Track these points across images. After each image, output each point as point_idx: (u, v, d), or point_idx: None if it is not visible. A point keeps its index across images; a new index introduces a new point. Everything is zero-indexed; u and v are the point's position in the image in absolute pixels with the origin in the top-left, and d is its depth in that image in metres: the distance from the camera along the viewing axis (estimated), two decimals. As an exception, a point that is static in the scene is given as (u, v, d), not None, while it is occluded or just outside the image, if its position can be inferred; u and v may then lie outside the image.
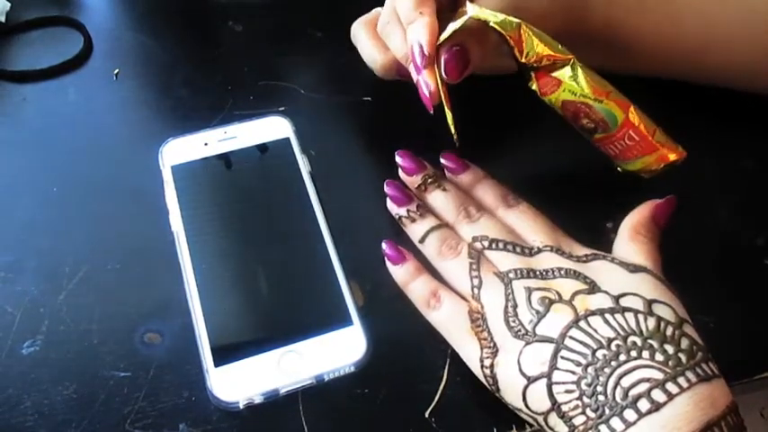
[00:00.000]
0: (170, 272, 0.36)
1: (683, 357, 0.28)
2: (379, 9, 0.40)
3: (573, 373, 0.29)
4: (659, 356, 0.28)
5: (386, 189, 0.38)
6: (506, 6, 0.35)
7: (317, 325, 0.34)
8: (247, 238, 0.37)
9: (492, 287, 0.33)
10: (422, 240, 0.36)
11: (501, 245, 0.34)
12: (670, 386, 0.27)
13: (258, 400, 0.32)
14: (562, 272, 0.32)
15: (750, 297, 0.37)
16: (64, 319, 0.35)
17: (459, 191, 0.38)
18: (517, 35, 0.34)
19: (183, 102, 0.44)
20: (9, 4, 0.48)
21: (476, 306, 0.33)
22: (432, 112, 0.36)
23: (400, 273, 0.36)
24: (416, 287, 0.35)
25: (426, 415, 0.33)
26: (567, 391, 0.29)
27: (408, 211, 0.37)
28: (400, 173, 0.39)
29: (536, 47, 0.34)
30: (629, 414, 0.27)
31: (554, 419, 0.29)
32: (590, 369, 0.29)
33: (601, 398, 0.28)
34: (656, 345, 0.29)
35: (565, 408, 0.29)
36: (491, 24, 0.34)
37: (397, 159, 0.39)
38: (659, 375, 0.28)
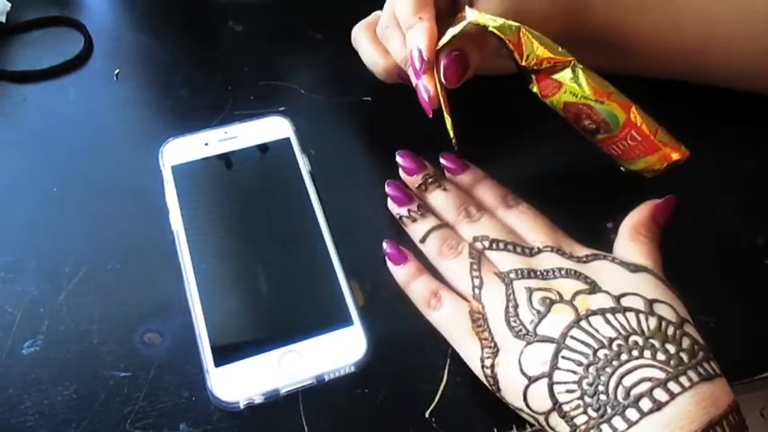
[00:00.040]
0: (170, 272, 0.36)
1: (684, 357, 0.28)
2: (378, 12, 0.40)
3: (574, 372, 0.29)
4: (661, 356, 0.28)
5: (387, 189, 0.38)
6: (506, 10, 0.35)
7: (318, 325, 0.34)
8: (247, 238, 0.37)
9: (493, 287, 0.33)
10: (423, 240, 0.36)
11: (501, 245, 0.34)
12: (672, 385, 0.27)
13: (258, 400, 0.32)
14: (563, 272, 0.32)
15: (750, 297, 0.37)
16: (64, 319, 0.35)
17: (460, 191, 0.38)
18: (516, 39, 0.34)
19: (184, 102, 0.44)
20: (9, 5, 0.48)
21: (476, 306, 0.33)
22: (431, 116, 0.36)
23: (401, 273, 0.36)
24: (417, 287, 0.35)
25: (426, 415, 0.33)
26: (569, 391, 0.29)
27: (409, 210, 0.37)
28: (401, 173, 0.39)
29: (536, 50, 0.34)
30: (632, 413, 0.27)
31: (555, 419, 0.29)
32: (591, 369, 0.29)
33: (602, 397, 0.28)
34: (657, 344, 0.29)
35: (566, 407, 0.29)
36: (490, 29, 0.34)
37: (398, 159, 0.39)
38: (661, 375, 0.28)
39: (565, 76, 0.35)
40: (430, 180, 0.38)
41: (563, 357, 0.29)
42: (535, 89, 0.36)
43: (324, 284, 0.36)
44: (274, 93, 0.45)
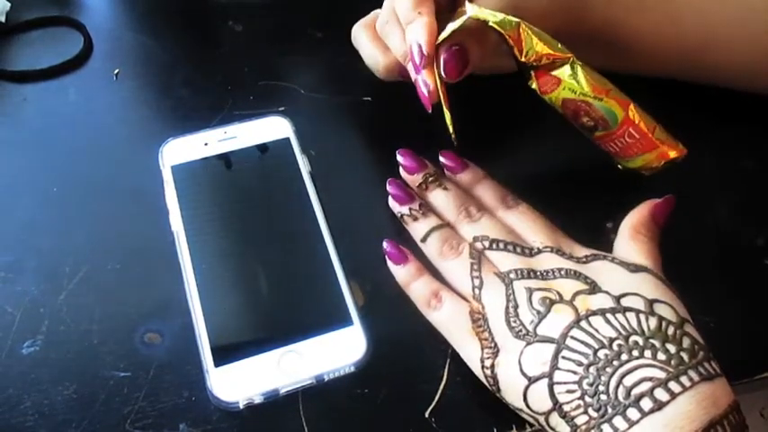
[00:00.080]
0: (170, 272, 0.36)
1: (685, 356, 0.28)
2: (378, 11, 0.40)
3: (574, 372, 0.29)
4: (661, 356, 0.28)
5: (388, 188, 0.38)
6: (506, 6, 0.35)
7: (318, 325, 0.34)
8: (247, 238, 0.37)
9: (493, 287, 0.33)
10: (423, 239, 0.36)
11: (502, 245, 0.34)
12: (673, 385, 0.27)
13: (258, 400, 0.32)
14: (562, 272, 0.32)
15: (750, 297, 0.37)
16: (64, 319, 0.35)
17: (460, 190, 0.38)
18: (516, 34, 0.34)
19: (184, 102, 0.44)
20: (9, 5, 0.48)
21: (477, 306, 0.33)
22: (430, 111, 0.36)
23: (402, 273, 0.36)
24: (418, 287, 0.35)
25: (426, 415, 0.33)
26: (569, 391, 0.29)
27: (410, 209, 0.37)
28: (401, 171, 0.39)
29: (535, 46, 0.34)
30: (632, 413, 0.27)
31: (555, 419, 0.29)
32: (592, 369, 0.29)
33: (603, 397, 0.28)
34: (657, 344, 0.29)
35: (566, 407, 0.29)
36: (490, 24, 0.34)
37: (399, 158, 0.39)
38: (662, 374, 0.28)
39: (564, 72, 0.35)
40: (430, 179, 0.38)
41: (563, 357, 0.29)
42: (534, 86, 0.36)
43: (324, 284, 0.36)
44: (274, 93, 0.45)
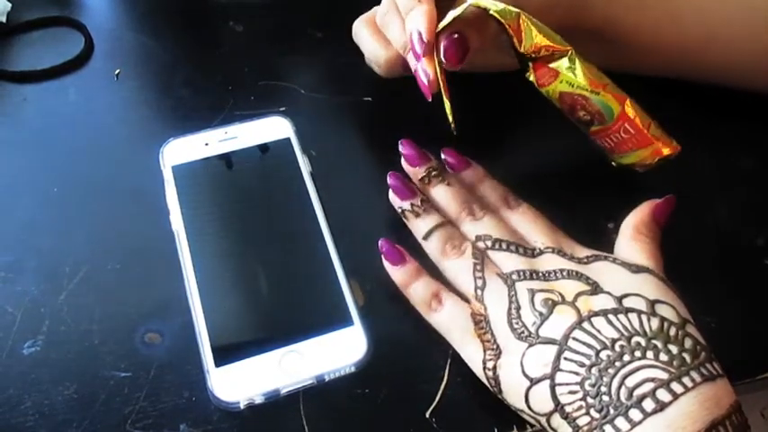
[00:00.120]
0: (170, 272, 0.36)
1: (687, 357, 0.28)
2: (378, 7, 0.40)
3: (576, 374, 0.29)
4: (663, 356, 0.28)
5: (388, 180, 0.37)
6: None
7: (318, 325, 0.34)
8: (248, 238, 0.37)
9: (495, 289, 0.33)
10: (425, 237, 0.36)
11: (504, 245, 0.34)
12: (675, 386, 0.27)
13: (259, 400, 0.32)
14: (564, 273, 0.32)
15: (750, 297, 0.37)
16: (64, 319, 0.35)
17: (463, 187, 0.38)
18: (516, 24, 0.34)
19: (184, 102, 0.44)
20: (10, 5, 0.47)
21: (478, 308, 0.33)
22: (430, 100, 0.36)
23: (399, 274, 0.35)
24: (417, 289, 0.35)
25: (427, 415, 0.33)
26: (571, 392, 0.29)
27: (412, 204, 0.37)
28: (403, 162, 0.38)
29: (534, 37, 0.34)
30: (635, 414, 0.27)
31: (557, 421, 0.29)
32: (594, 370, 0.29)
33: (605, 398, 0.28)
34: (660, 345, 0.29)
35: (568, 409, 0.29)
36: (491, 12, 0.34)
37: (400, 148, 0.38)
38: (664, 375, 0.28)
39: (562, 65, 0.35)
40: (434, 173, 0.38)
41: (565, 359, 0.29)
42: (532, 78, 0.36)
43: (324, 284, 0.36)
44: (274, 93, 0.45)
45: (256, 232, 0.37)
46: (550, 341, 0.30)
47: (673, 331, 0.29)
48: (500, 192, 0.38)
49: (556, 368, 0.29)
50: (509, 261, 0.34)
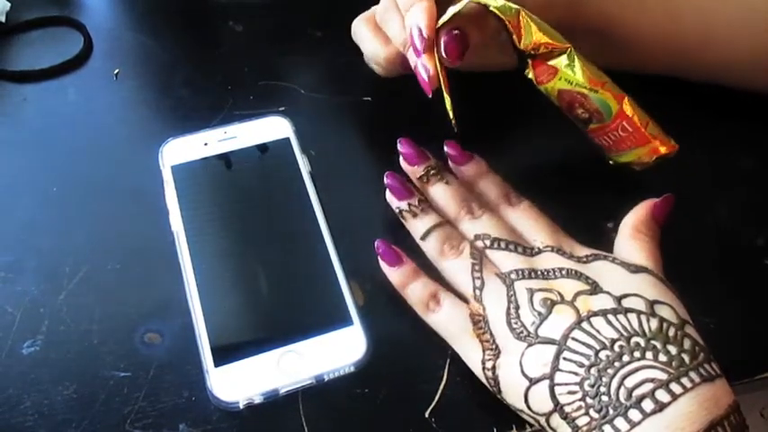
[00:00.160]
0: (170, 272, 0.36)
1: (686, 358, 0.28)
2: (377, 6, 0.40)
3: (575, 374, 0.29)
4: (663, 357, 0.28)
5: (385, 180, 0.37)
6: None
7: (317, 325, 0.34)
8: (247, 238, 0.37)
9: (494, 288, 0.33)
10: (423, 237, 0.36)
11: (503, 244, 0.34)
12: (674, 386, 0.27)
13: (258, 400, 0.32)
14: (563, 272, 0.32)
15: (750, 297, 0.37)
16: (64, 319, 0.35)
17: (462, 185, 0.38)
18: (516, 21, 0.34)
19: (183, 102, 0.44)
20: (9, 4, 0.47)
21: (477, 308, 0.33)
22: (430, 96, 0.36)
23: (396, 275, 0.35)
24: (415, 290, 0.35)
25: (426, 415, 0.33)
26: (570, 393, 0.29)
27: (410, 204, 0.36)
28: (401, 161, 0.38)
29: (534, 34, 0.34)
30: (634, 414, 0.27)
31: (556, 420, 0.29)
32: (593, 370, 0.29)
33: (604, 398, 0.28)
34: (659, 345, 0.29)
35: (568, 409, 0.29)
36: (491, 9, 0.34)
37: (399, 146, 0.38)
38: (663, 376, 0.28)
39: (561, 62, 0.35)
40: (432, 172, 0.37)
41: (564, 359, 0.29)
42: (531, 75, 0.36)
43: (324, 284, 0.36)
44: (274, 93, 0.45)
45: (256, 232, 0.37)
46: (549, 341, 0.30)
47: (672, 332, 0.29)
48: (501, 188, 0.37)
49: (555, 368, 0.29)
50: (508, 260, 0.34)
